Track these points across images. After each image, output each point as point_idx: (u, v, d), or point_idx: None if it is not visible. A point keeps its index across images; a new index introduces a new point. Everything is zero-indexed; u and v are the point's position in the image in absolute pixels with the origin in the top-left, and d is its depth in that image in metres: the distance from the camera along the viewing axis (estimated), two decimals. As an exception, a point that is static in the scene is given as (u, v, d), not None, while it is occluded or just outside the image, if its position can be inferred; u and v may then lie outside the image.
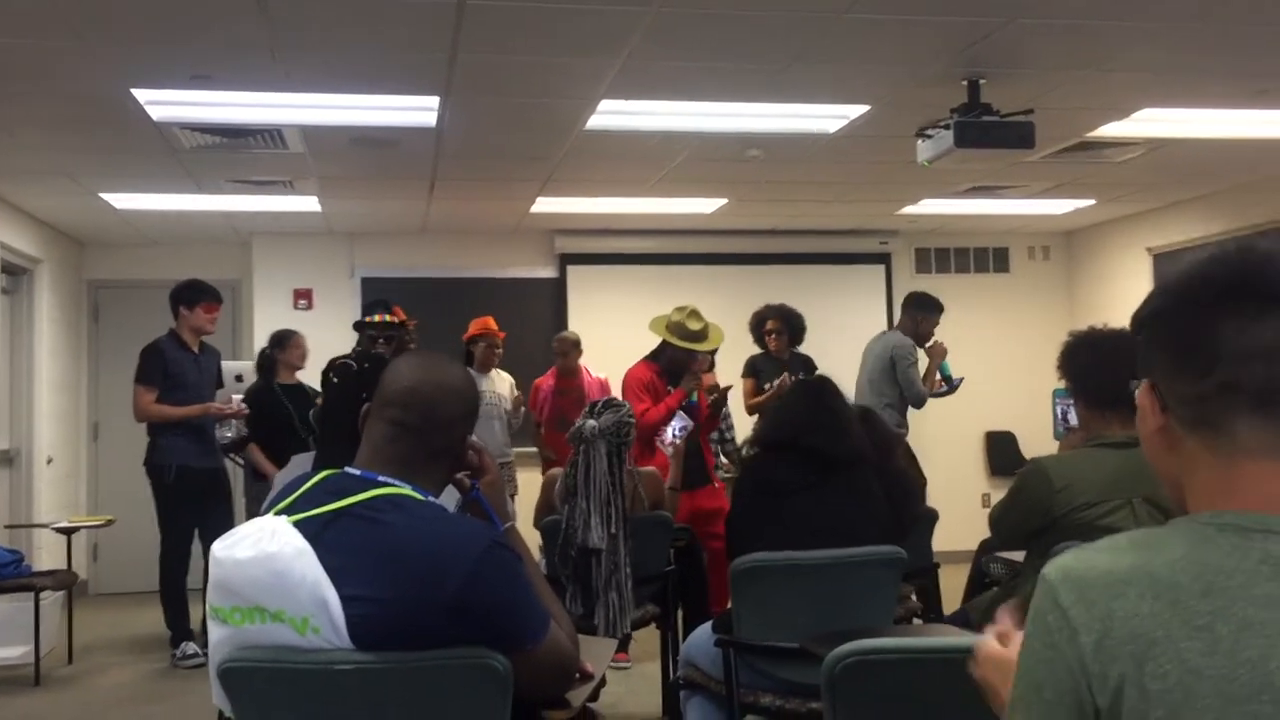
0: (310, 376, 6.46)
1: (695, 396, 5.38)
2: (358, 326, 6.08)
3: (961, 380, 6.65)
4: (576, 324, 8.40)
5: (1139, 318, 1.19)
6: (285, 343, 6.36)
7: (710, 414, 5.57)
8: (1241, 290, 1.10)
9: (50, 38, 4.04)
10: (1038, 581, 1.10)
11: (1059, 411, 3.49)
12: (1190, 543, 1.06)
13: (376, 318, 5.91)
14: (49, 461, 7.64)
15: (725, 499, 5.29)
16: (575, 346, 6.94)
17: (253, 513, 5.86)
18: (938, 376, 6.62)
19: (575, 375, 6.91)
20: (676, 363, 5.33)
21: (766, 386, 6.41)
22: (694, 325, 5.34)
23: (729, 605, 3.28)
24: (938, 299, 6.72)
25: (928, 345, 6.60)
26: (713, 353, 5.54)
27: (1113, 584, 1.04)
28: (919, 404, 6.53)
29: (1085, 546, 1.11)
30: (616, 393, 6.59)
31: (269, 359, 6.33)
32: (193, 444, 5.93)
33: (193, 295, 6.08)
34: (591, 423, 3.98)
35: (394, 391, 1.95)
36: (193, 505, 5.93)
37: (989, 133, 4.65)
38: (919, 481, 6.18)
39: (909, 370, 6.46)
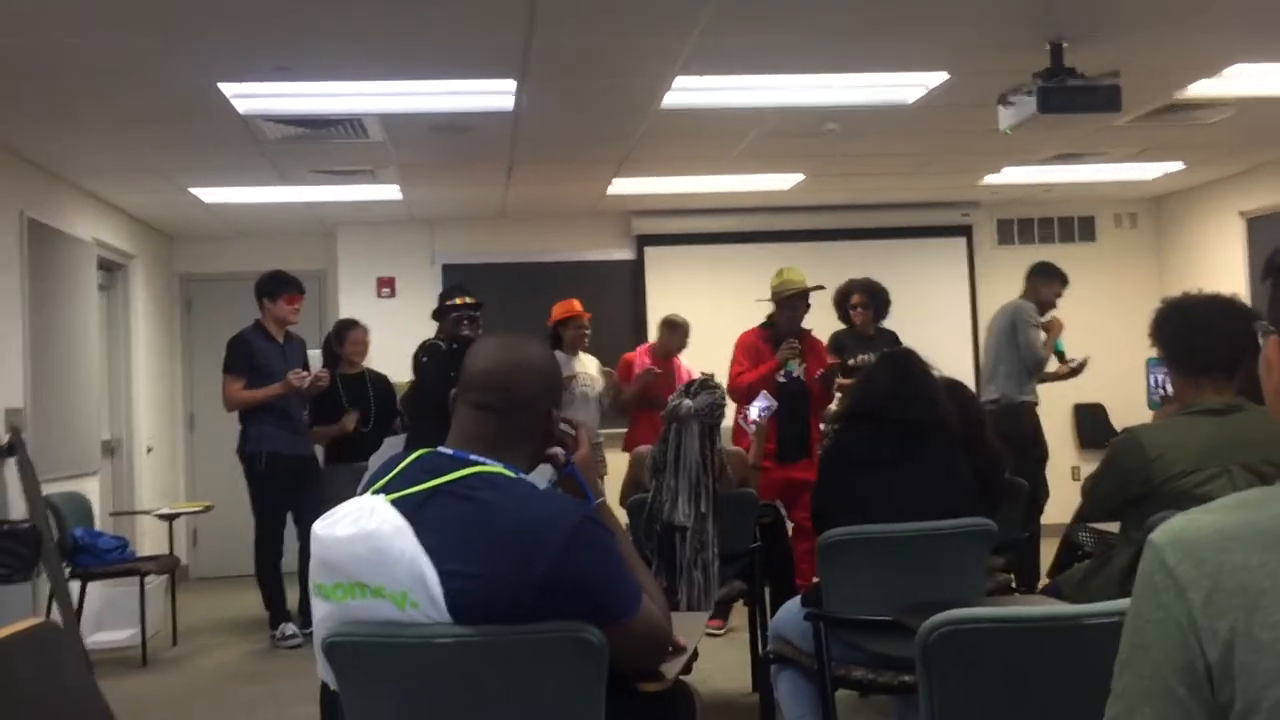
0: (393, 362, 6.59)
1: (795, 370, 5.55)
2: (439, 313, 6.10)
3: (1084, 362, 6.43)
4: (655, 304, 8.42)
5: (1272, 266, 1.14)
6: (343, 337, 6.45)
7: (821, 389, 5.71)
8: None
9: (140, 36, 4.15)
10: (1144, 547, 1.08)
11: (1154, 380, 3.40)
12: None
13: (458, 300, 5.97)
14: (149, 450, 7.89)
15: None
16: (685, 333, 6.89)
17: (329, 495, 6.03)
18: (1054, 353, 6.48)
19: (670, 360, 6.89)
20: (786, 323, 5.71)
21: (851, 363, 6.35)
22: (775, 281, 5.80)
23: (813, 579, 3.28)
24: (1060, 269, 6.57)
25: (1045, 318, 6.44)
26: (803, 294, 5.77)
27: (1220, 540, 1.03)
28: (1036, 368, 6.33)
29: (1190, 510, 1.10)
30: None
31: (330, 350, 6.47)
32: (282, 431, 6.06)
33: (275, 287, 6.20)
34: (687, 402, 3.98)
35: (474, 374, 1.99)
36: (284, 491, 6.06)
37: (1073, 97, 4.54)
38: (1042, 453, 6.14)
39: (1029, 332, 6.28)
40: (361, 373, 6.44)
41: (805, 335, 5.86)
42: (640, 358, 6.91)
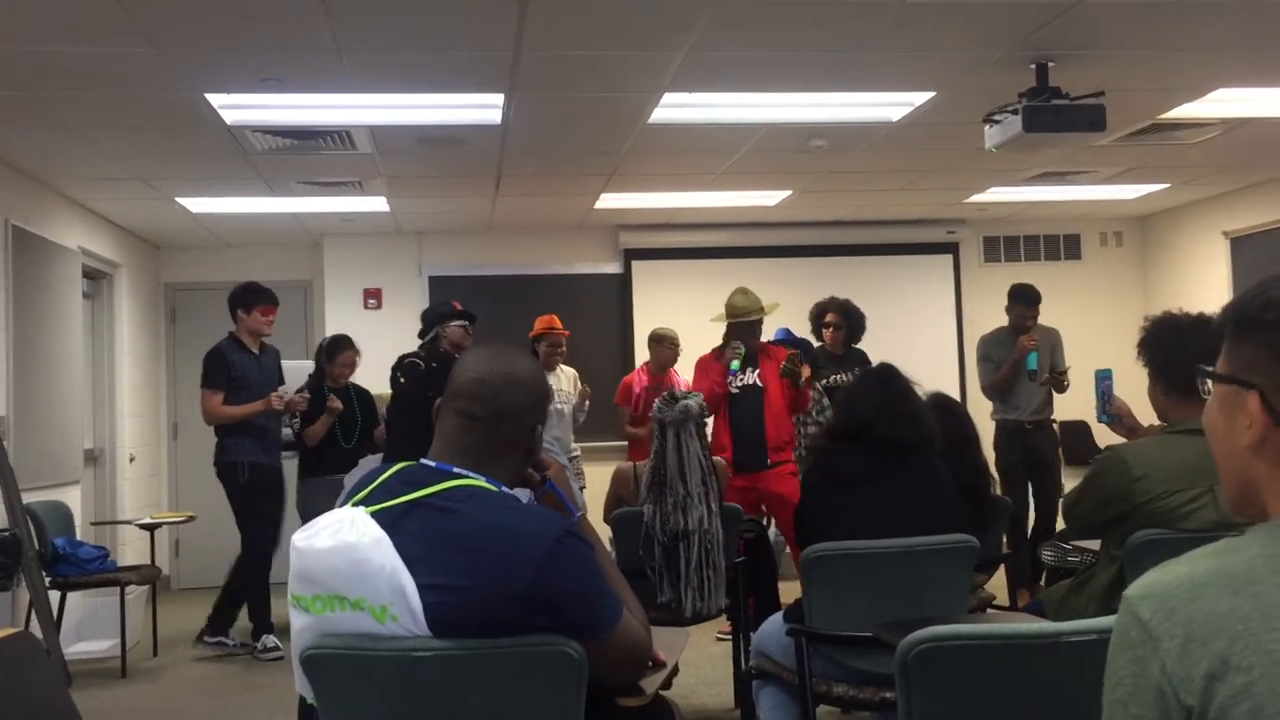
0: (379, 375, 6.57)
1: (739, 370, 5.61)
2: (436, 320, 5.98)
3: (1062, 373, 6.43)
4: (642, 319, 8.43)
5: (1257, 319, 1.12)
6: (334, 356, 6.42)
7: (787, 384, 5.65)
8: None
9: (127, 46, 4.15)
10: (1120, 602, 1.09)
11: (1101, 392, 3.37)
12: (1267, 541, 1.06)
13: (457, 305, 5.98)
14: (131, 460, 7.85)
15: (789, 484, 5.31)
16: (677, 345, 6.97)
17: (307, 508, 6.02)
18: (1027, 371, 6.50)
19: (666, 374, 6.93)
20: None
21: (823, 383, 6.35)
22: (740, 301, 5.75)
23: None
24: (1022, 287, 6.64)
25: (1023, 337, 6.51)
26: (755, 321, 5.75)
27: (1192, 589, 1.04)
28: (987, 393, 6.68)
29: (1164, 563, 1.10)
30: None
31: (319, 365, 6.47)
32: (257, 443, 6.06)
33: (249, 298, 6.18)
34: (688, 403, 4.00)
35: (462, 383, 1.98)
36: (268, 499, 6.07)
37: (1059, 116, 4.58)
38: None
39: (979, 364, 6.69)
40: (346, 386, 6.44)
41: (763, 347, 5.83)
42: (639, 378, 6.95)
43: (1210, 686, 0.99)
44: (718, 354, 5.75)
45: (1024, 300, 6.56)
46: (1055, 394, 6.61)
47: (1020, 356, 6.43)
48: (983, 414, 6.68)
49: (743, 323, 5.70)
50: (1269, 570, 1.02)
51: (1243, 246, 7.83)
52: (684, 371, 6.98)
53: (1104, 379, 3.39)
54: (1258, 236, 7.61)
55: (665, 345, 6.93)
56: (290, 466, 6.39)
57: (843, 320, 6.54)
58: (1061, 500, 3.21)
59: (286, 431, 6.37)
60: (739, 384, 5.65)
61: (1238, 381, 1.13)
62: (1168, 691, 1.01)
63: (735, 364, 5.62)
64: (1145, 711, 1.03)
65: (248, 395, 6.02)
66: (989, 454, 6.56)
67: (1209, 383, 1.19)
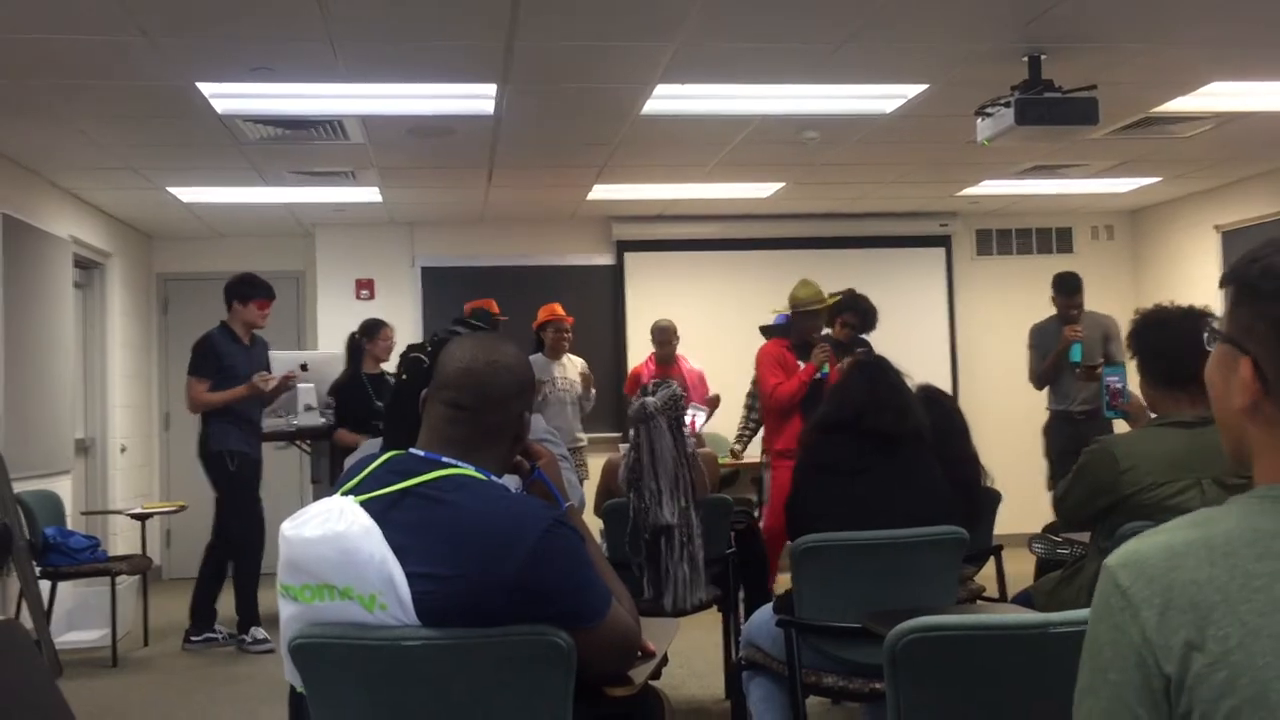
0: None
1: (826, 369, 5.63)
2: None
3: (1087, 367, 6.36)
4: (634, 310, 8.45)
5: (1254, 287, 1.12)
6: (374, 333, 6.41)
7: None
8: None
9: (117, 34, 4.13)
10: (1100, 571, 1.09)
11: (1117, 388, 3.43)
12: (1245, 513, 1.07)
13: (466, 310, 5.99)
14: (123, 450, 7.84)
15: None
16: (674, 335, 7.05)
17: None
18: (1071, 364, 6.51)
19: (673, 364, 6.97)
20: (803, 333, 5.73)
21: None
22: (803, 292, 5.80)
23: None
24: (1060, 276, 6.65)
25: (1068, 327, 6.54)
26: (828, 311, 5.88)
27: (1170, 558, 1.05)
28: (1036, 385, 6.78)
29: (1144, 532, 1.11)
30: (713, 387, 7.04)
31: (356, 346, 6.41)
32: (242, 432, 6.03)
33: (247, 291, 6.14)
34: (653, 399, 4.03)
35: (448, 373, 1.98)
36: (255, 489, 6.06)
37: (1051, 109, 4.58)
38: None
39: (1029, 352, 6.78)
40: (382, 374, 6.38)
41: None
42: (647, 368, 7.02)
43: (1188, 655, 1.00)
44: (786, 345, 5.76)
45: (1061, 289, 6.57)
46: None
47: (1064, 347, 6.45)
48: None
49: (807, 312, 5.74)
50: (1245, 541, 1.04)
51: (1234, 240, 7.84)
52: (692, 358, 7.08)
53: (1111, 374, 3.43)
54: (1249, 230, 7.62)
55: (666, 335, 7.03)
56: (279, 458, 6.37)
57: (858, 321, 6.51)
58: (1052, 493, 3.23)
59: (276, 421, 6.33)
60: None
61: (1235, 344, 1.13)
62: (1148, 658, 1.02)
63: (825, 367, 5.64)
64: (1124, 677, 1.03)
65: (235, 385, 5.99)
66: (1037, 442, 6.70)
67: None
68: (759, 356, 5.84)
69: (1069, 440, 6.50)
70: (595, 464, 7.01)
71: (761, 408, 5.96)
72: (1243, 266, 1.14)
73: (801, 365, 5.63)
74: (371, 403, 6.16)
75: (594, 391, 6.93)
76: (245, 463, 6.02)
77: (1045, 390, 6.84)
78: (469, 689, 1.87)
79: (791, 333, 5.84)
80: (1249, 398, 1.11)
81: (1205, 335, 1.19)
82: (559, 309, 6.80)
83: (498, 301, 6.62)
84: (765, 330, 6.24)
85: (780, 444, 5.64)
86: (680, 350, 7.17)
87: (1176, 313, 2.94)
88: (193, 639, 6.10)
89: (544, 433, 2.81)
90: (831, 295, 5.92)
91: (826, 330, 6.51)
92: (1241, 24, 4.38)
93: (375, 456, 1.98)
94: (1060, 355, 6.46)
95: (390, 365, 6.45)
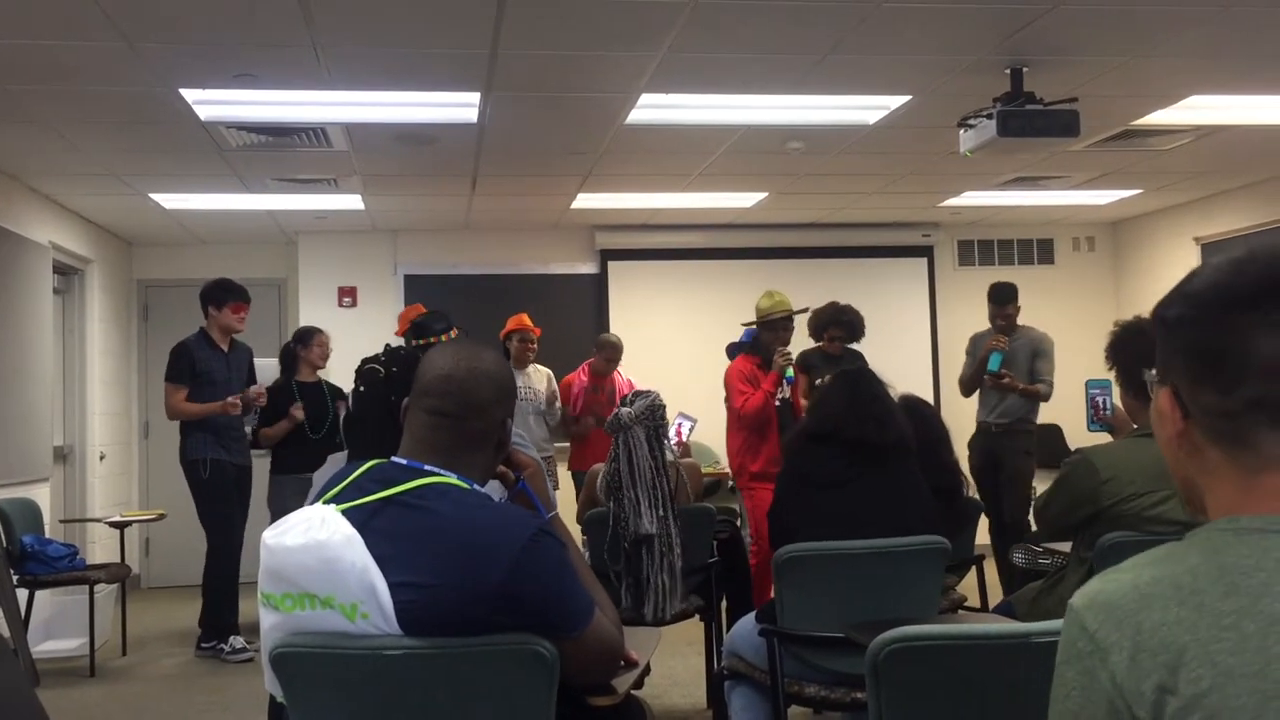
0: (342, 374, 6.53)
1: (791, 373, 5.70)
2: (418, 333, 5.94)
3: (1093, 381, 6.40)
4: (618, 319, 8.44)
5: (1162, 318, 1.16)
6: (308, 340, 6.40)
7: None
8: (1271, 300, 1.06)
9: (99, 40, 4.11)
10: (1066, 612, 1.08)
11: (1092, 401, 3.46)
12: (1209, 549, 1.05)
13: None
14: (102, 458, 7.79)
15: None
16: (620, 353, 7.09)
17: (276, 507, 5.95)
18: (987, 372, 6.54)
19: (607, 375, 7.02)
20: (768, 347, 5.74)
21: (818, 382, 6.36)
22: (765, 302, 5.85)
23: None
24: (994, 286, 6.67)
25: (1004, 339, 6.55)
26: (790, 314, 5.85)
27: (1137, 598, 1.02)
28: (963, 392, 6.77)
29: (1106, 571, 1.10)
30: (697, 396, 6.96)
31: (291, 354, 6.41)
32: (219, 440, 6.01)
33: (221, 295, 6.14)
34: (628, 410, 4.04)
35: (429, 381, 1.98)
36: (230, 497, 6.03)
37: (1032, 121, 4.61)
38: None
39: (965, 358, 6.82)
40: (318, 381, 6.39)
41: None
42: (579, 377, 7.00)
43: (1161, 699, 0.97)
44: (755, 361, 5.74)
45: (992, 298, 6.59)
46: (1041, 401, 6.60)
47: (984, 355, 6.48)
48: (956, 415, 6.73)
49: (783, 317, 5.75)
50: (1210, 579, 1.01)
51: (1213, 252, 7.90)
52: (629, 365, 7.16)
53: (1094, 389, 3.45)
54: (1228, 242, 7.68)
55: (608, 351, 7.05)
56: (261, 465, 6.34)
57: (844, 335, 6.51)
58: (1033, 503, 3.24)
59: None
60: (780, 396, 5.69)
61: (1159, 378, 1.15)
62: (1118, 704, 0.99)
63: (790, 372, 5.66)
64: None
65: (212, 392, 5.97)
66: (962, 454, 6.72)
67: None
68: (727, 375, 5.81)
69: (980, 454, 6.54)
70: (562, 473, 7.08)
71: (729, 428, 5.86)
72: (1159, 304, 1.17)
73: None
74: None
75: (559, 405, 6.93)
76: (219, 471, 5.99)
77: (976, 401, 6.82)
78: (451, 699, 1.86)
79: (760, 346, 5.81)
80: (1174, 428, 1.13)
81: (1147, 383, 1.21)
82: (526, 319, 6.85)
83: (479, 310, 6.62)
84: (731, 349, 6.17)
85: (756, 466, 5.63)
86: (660, 359, 7.23)
87: (1151, 325, 2.96)
88: (202, 645, 6.09)
89: (515, 437, 2.81)
90: (799, 310, 5.90)
91: (818, 344, 6.55)
92: (1221, 39, 4.42)
93: (355, 466, 1.97)
94: (981, 364, 6.49)
95: (330, 375, 6.50)
